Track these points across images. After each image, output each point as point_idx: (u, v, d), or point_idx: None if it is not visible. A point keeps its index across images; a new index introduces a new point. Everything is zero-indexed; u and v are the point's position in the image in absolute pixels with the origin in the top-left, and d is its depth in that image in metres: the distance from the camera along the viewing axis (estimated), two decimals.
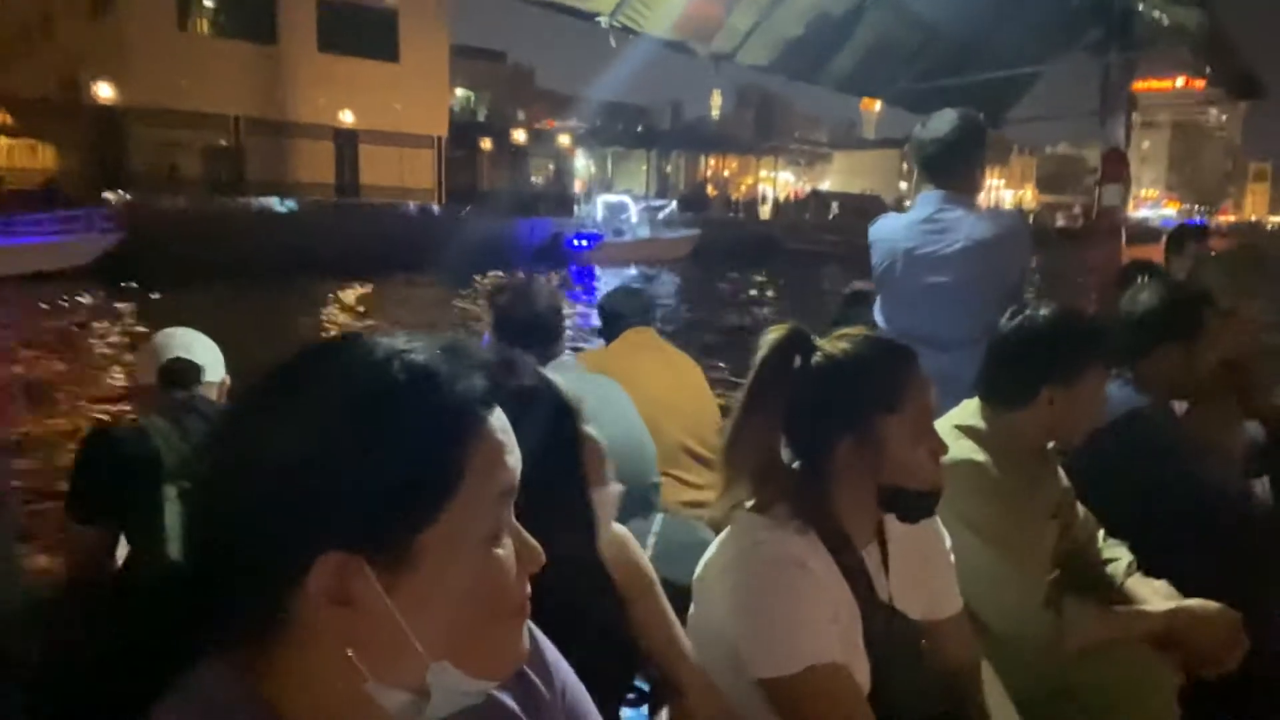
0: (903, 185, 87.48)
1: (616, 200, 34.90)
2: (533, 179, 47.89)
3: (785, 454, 1.54)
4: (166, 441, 2.09)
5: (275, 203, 26.65)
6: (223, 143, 29.73)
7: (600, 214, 34.16)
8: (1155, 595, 2.02)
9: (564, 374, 3.15)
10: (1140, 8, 3.66)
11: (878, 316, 2.97)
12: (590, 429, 1.39)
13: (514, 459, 0.72)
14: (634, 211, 34.46)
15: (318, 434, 0.65)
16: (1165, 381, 2.41)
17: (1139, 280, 2.90)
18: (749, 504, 1.52)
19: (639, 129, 53.15)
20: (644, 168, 54.53)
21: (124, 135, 27.24)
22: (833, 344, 1.52)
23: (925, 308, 2.77)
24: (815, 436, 1.50)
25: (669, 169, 57.99)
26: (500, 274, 24.86)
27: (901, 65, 4.72)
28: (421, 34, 34.39)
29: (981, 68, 4.93)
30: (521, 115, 60.19)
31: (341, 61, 32.07)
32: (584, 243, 30.75)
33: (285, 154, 31.01)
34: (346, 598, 0.65)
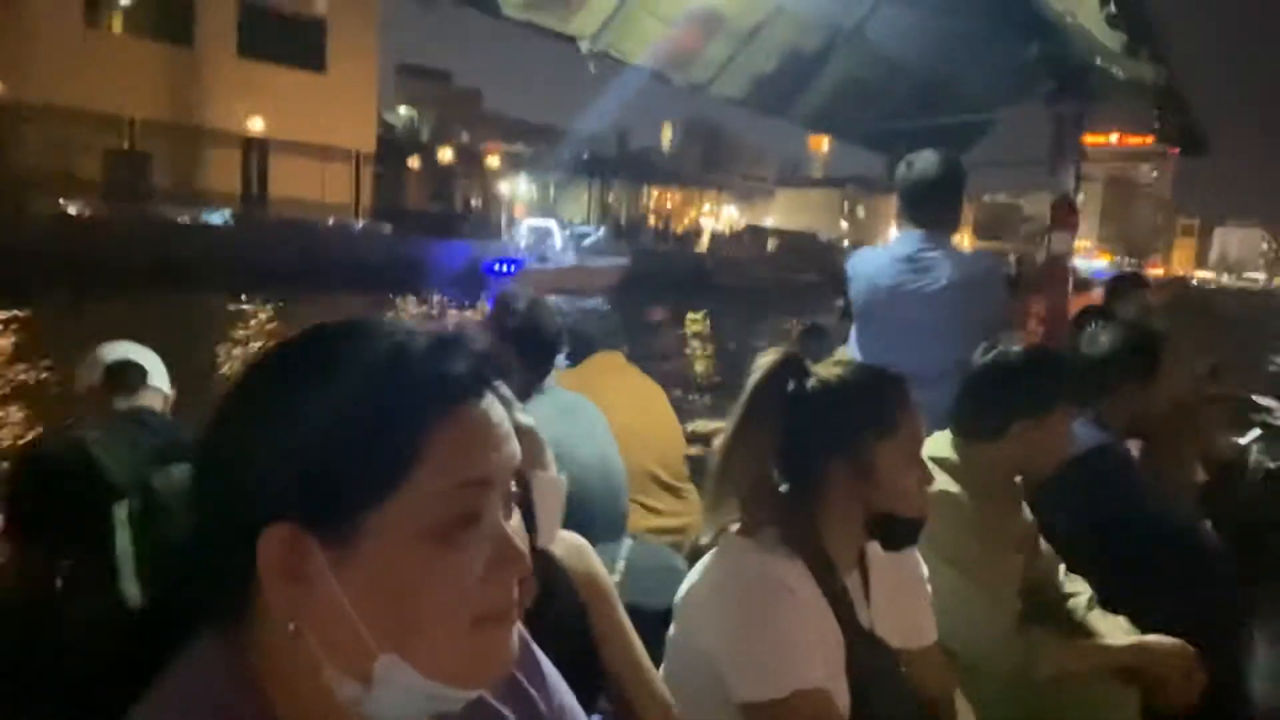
0: (843, 224, 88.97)
1: (541, 225, 33.62)
2: (470, 201, 47.26)
3: (775, 478, 1.55)
4: (108, 453, 2.02)
5: (209, 214, 25.47)
6: (125, 146, 28.00)
7: (524, 239, 32.84)
8: (1115, 630, 2.07)
9: (544, 390, 3.15)
10: (1097, 61, 3.79)
11: (854, 350, 3.01)
12: (522, 418, 1.34)
13: (497, 453, 0.69)
14: (559, 238, 33.26)
15: (278, 403, 0.67)
16: (1124, 420, 2.49)
17: (1092, 324, 3.00)
18: (735, 526, 1.52)
19: (584, 156, 52.02)
20: (585, 195, 54.27)
21: (14, 133, 24.90)
22: (826, 369, 1.54)
23: (906, 343, 2.81)
24: (807, 460, 1.51)
25: (610, 199, 57.52)
26: (420, 301, 24.11)
27: (867, 104, 4.83)
28: (351, 45, 33.69)
29: (942, 111, 5.08)
30: (465, 136, 59.62)
31: (262, 68, 30.92)
32: (505, 268, 29.33)
33: (194, 161, 29.37)
34: (300, 574, 0.64)
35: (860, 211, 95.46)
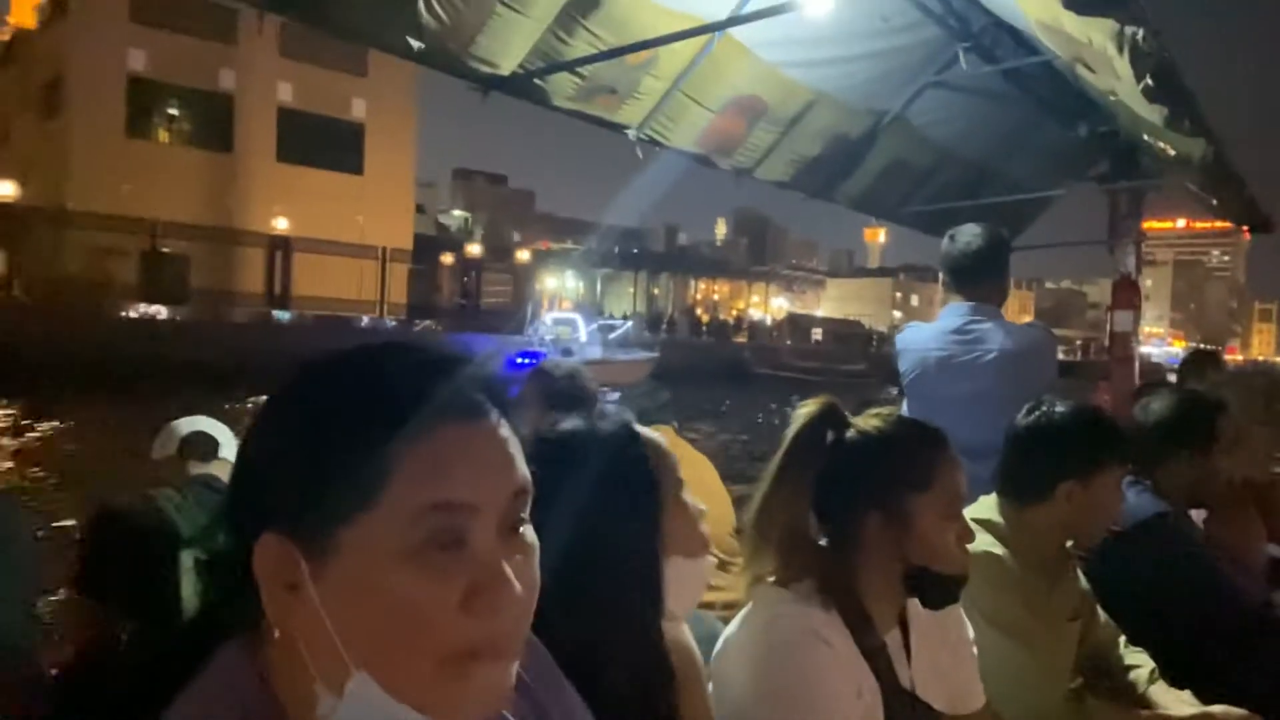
0: (895, 314, 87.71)
1: (566, 317, 33.44)
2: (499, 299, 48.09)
3: (813, 529, 1.54)
4: (180, 511, 2.10)
5: (278, 315, 26.65)
6: (164, 249, 29.41)
7: (549, 333, 32.19)
8: (1178, 704, 1.97)
9: None
10: (1145, 139, 3.80)
11: None
12: (689, 497, 1.35)
13: (485, 477, 0.68)
14: (583, 330, 32.71)
15: (273, 417, 0.71)
16: (1182, 489, 2.41)
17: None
18: (772, 578, 1.51)
19: (633, 251, 53.10)
20: (632, 289, 54.72)
21: (57, 239, 26.67)
22: (865, 421, 1.55)
23: (958, 415, 2.75)
24: (844, 512, 1.51)
25: (656, 291, 57.88)
26: None
27: (915, 187, 4.88)
28: (388, 149, 35.15)
29: (993, 192, 5.10)
30: (517, 236, 61.58)
31: (300, 172, 32.57)
32: (526, 361, 28.79)
33: (231, 262, 30.57)
34: (290, 583, 0.66)
35: (914, 300, 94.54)
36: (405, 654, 0.65)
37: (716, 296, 70.73)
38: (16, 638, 1.50)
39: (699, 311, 55.87)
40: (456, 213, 73.57)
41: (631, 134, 3.49)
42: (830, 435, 1.54)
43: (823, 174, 4.37)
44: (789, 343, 48.98)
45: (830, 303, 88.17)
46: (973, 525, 1.90)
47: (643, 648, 1.23)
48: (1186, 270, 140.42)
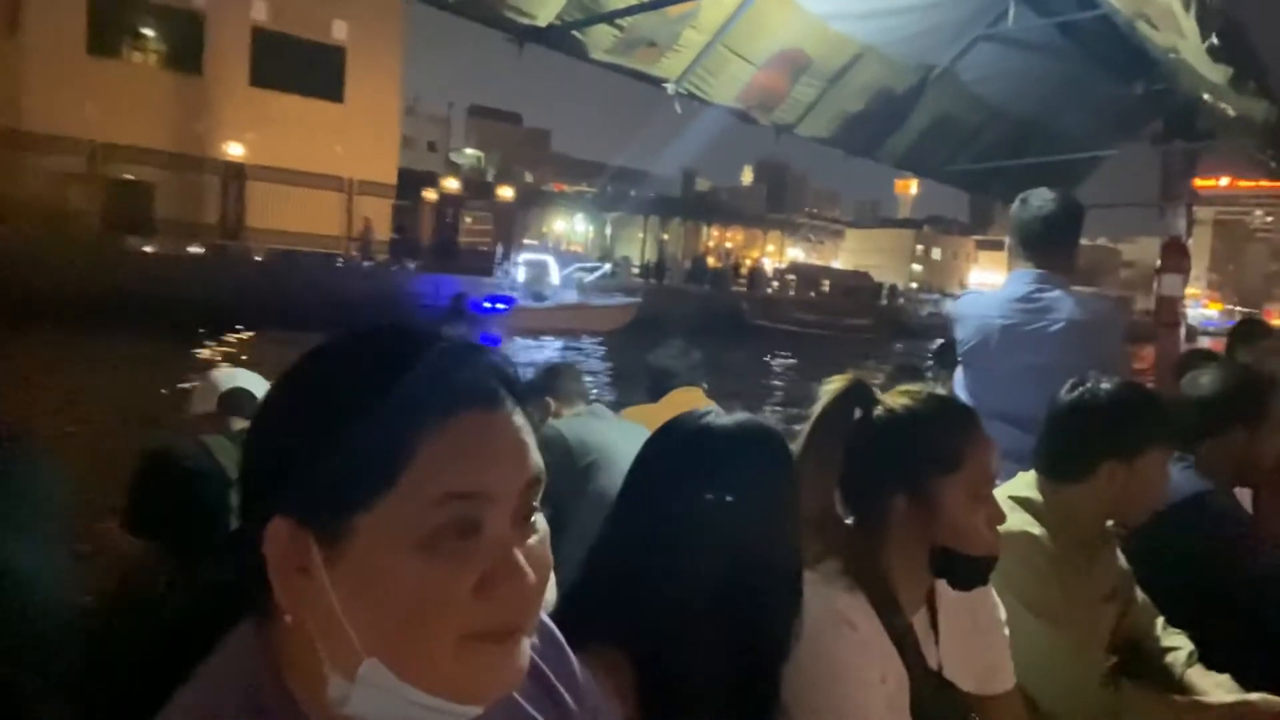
0: (915, 267, 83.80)
1: (537, 259, 30.50)
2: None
3: (839, 509, 1.52)
4: (229, 457, 2.12)
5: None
6: (129, 177, 26.28)
7: (522, 274, 29.57)
8: (1217, 688, 1.93)
9: (595, 419, 3.17)
10: (1205, 98, 3.66)
11: (960, 393, 2.91)
12: None
13: (500, 466, 0.68)
14: (555, 273, 30.07)
15: (286, 402, 0.70)
16: (1228, 467, 2.34)
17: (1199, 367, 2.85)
18: None
19: (646, 195, 50.50)
20: (641, 235, 52.49)
21: (13, 163, 23.60)
22: (894, 399, 1.51)
23: (1020, 387, 2.69)
24: (870, 492, 1.48)
25: (666, 236, 55.11)
26: None
27: (961, 145, 4.76)
28: (372, 75, 32.05)
29: (1041, 151, 4.96)
30: (529, 176, 59.81)
31: (275, 98, 29.68)
32: (497, 306, 26.57)
33: (199, 193, 27.45)
34: (302, 567, 0.66)
35: (936, 253, 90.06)
36: (418, 639, 0.65)
37: (729, 244, 68.54)
38: (47, 583, 1.53)
39: (710, 259, 52.94)
40: (469, 151, 72.10)
41: (670, 88, 3.42)
42: (858, 412, 1.51)
43: (866, 131, 4.26)
44: (792, 294, 46.27)
45: (848, 254, 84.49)
46: (1010, 503, 1.87)
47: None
48: (1227, 230, 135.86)
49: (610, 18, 3.06)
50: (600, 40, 3.15)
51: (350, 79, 32.11)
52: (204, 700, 0.69)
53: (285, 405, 0.70)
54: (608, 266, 35.56)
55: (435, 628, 0.65)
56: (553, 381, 3.24)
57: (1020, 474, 2.00)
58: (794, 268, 56.40)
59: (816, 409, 1.52)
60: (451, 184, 38.64)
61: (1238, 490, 2.44)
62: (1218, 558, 2.11)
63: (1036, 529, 1.85)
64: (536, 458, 0.72)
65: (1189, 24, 2.43)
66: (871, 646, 1.39)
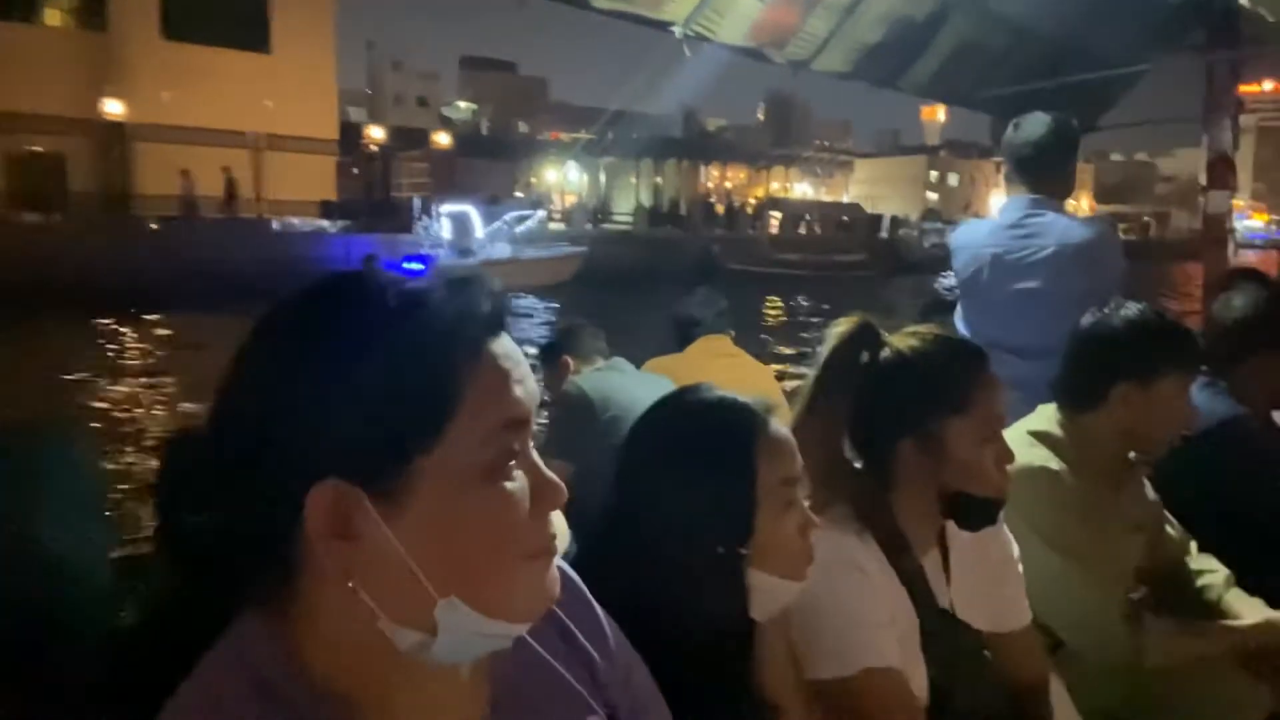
0: (931, 195, 78.66)
1: (458, 210, 27.45)
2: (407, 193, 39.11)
3: (848, 452, 1.51)
4: None
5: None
6: (36, 148, 24.52)
7: (447, 229, 26.78)
8: (1253, 611, 1.90)
9: (616, 373, 3.17)
10: (1245, 3, 3.48)
11: (960, 325, 2.88)
12: (803, 505, 1.21)
13: (523, 389, 0.70)
14: (478, 225, 26.99)
15: (304, 360, 0.66)
16: (1264, 391, 2.27)
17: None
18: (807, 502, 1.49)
19: (635, 137, 46.18)
20: (646, 179, 49.94)
21: None
22: (902, 340, 1.49)
23: (1014, 315, 2.67)
24: (878, 435, 1.47)
25: (659, 180, 51.48)
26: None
27: (989, 69, 4.59)
28: (301, 21, 29.49)
29: (1075, 70, 4.77)
30: (524, 127, 57.50)
31: (192, 51, 27.00)
32: (417, 266, 24.27)
33: (115, 160, 25.45)
34: (348, 531, 0.65)
35: (952, 179, 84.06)
36: (493, 567, 0.68)
37: (729, 184, 63.87)
38: (87, 575, 1.58)
39: (713, 200, 49.49)
40: (462, 104, 70.29)
41: (678, 31, 3.34)
42: (865, 355, 1.49)
43: (886, 61, 4.12)
44: (774, 231, 41.64)
45: (859, 185, 79.37)
46: (1028, 438, 1.85)
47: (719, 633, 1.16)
48: (1272, 137, 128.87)
49: None
50: None
51: (277, 27, 29.57)
52: (210, 692, 0.68)
53: (308, 367, 0.66)
54: (541, 213, 31.24)
55: (506, 552, 0.68)
56: (570, 340, 3.25)
57: (1040, 407, 1.97)
58: (773, 202, 50.49)
59: (822, 353, 1.50)
60: (376, 133, 34.67)
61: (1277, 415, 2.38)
62: (1253, 481, 2.07)
63: (1056, 464, 1.82)
64: (534, 378, 0.74)
65: None
66: (881, 590, 1.40)
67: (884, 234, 47.01)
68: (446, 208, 27.68)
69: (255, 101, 28.01)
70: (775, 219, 43.84)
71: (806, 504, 1.23)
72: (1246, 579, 2.00)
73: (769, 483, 1.17)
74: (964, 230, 2.96)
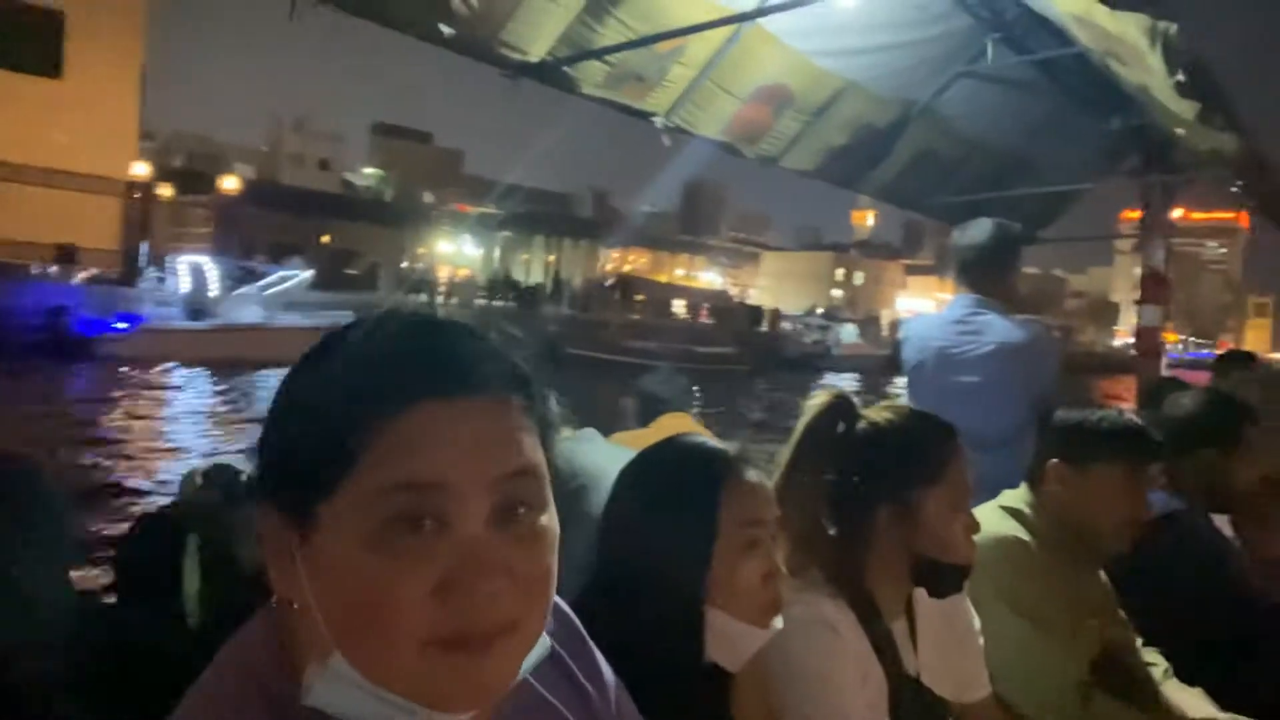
0: (835, 293, 77.76)
1: (193, 263, 23.86)
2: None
3: (824, 519, 1.56)
4: None
5: None
6: None
7: (185, 284, 23.38)
8: (1192, 703, 1.97)
9: (586, 443, 3.20)
10: (1178, 133, 3.77)
11: None
12: (768, 551, 1.23)
13: (463, 457, 0.64)
14: (214, 282, 23.53)
15: (280, 394, 0.70)
16: (1202, 489, 2.40)
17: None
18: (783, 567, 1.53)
19: (533, 213, 46.94)
20: (540, 256, 49.36)
21: None
22: (878, 413, 1.57)
23: (956, 406, 2.80)
24: (855, 502, 1.53)
25: (551, 258, 50.64)
26: None
27: (943, 178, 4.86)
28: (101, 47, 26.63)
29: (1021, 184, 5.07)
30: (430, 197, 56.13)
31: None
32: (120, 325, 20.56)
33: None
34: (287, 554, 0.66)
35: (858, 278, 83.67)
36: (375, 639, 0.62)
37: (630, 267, 63.34)
38: (50, 606, 1.55)
39: (609, 284, 47.65)
40: (369, 170, 69.11)
41: (659, 121, 3.50)
42: (842, 426, 1.56)
43: (850, 164, 4.36)
44: (634, 316, 38.27)
45: (766, 278, 79.92)
46: (1001, 513, 1.96)
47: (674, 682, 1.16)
48: (1182, 262, 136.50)
49: (600, 54, 3.14)
50: (591, 75, 3.23)
51: (71, 51, 26.38)
52: (216, 692, 0.70)
53: (277, 397, 0.71)
54: (305, 275, 26.71)
55: (391, 630, 0.62)
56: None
57: (1006, 492, 2.08)
58: (622, 281, 48.13)
59: (800, 425, 1.57)
60: (139, 169, 29.13)
61: (1220, 518, 2.49)
62: (1188, 575, 2.17)
63: (1025, 535, 1.93)
64: (527, 449, 0.68)
65: (1156, 61, 2.53)
66: (853, 650, 1.44)
67: (764, 327, 45.39)
68: (184, 259, 24.02)
69: (42, 134, 25.02)
70: (639, 299, 41.21)
71: (780, 559, 1.26)
72: (1183, 671, 2.09)
73: (731, 522, 1.20)
74: (912, 323, 3.16)
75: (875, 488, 1.52)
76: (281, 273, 25.78)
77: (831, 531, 1.56)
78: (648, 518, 1.22)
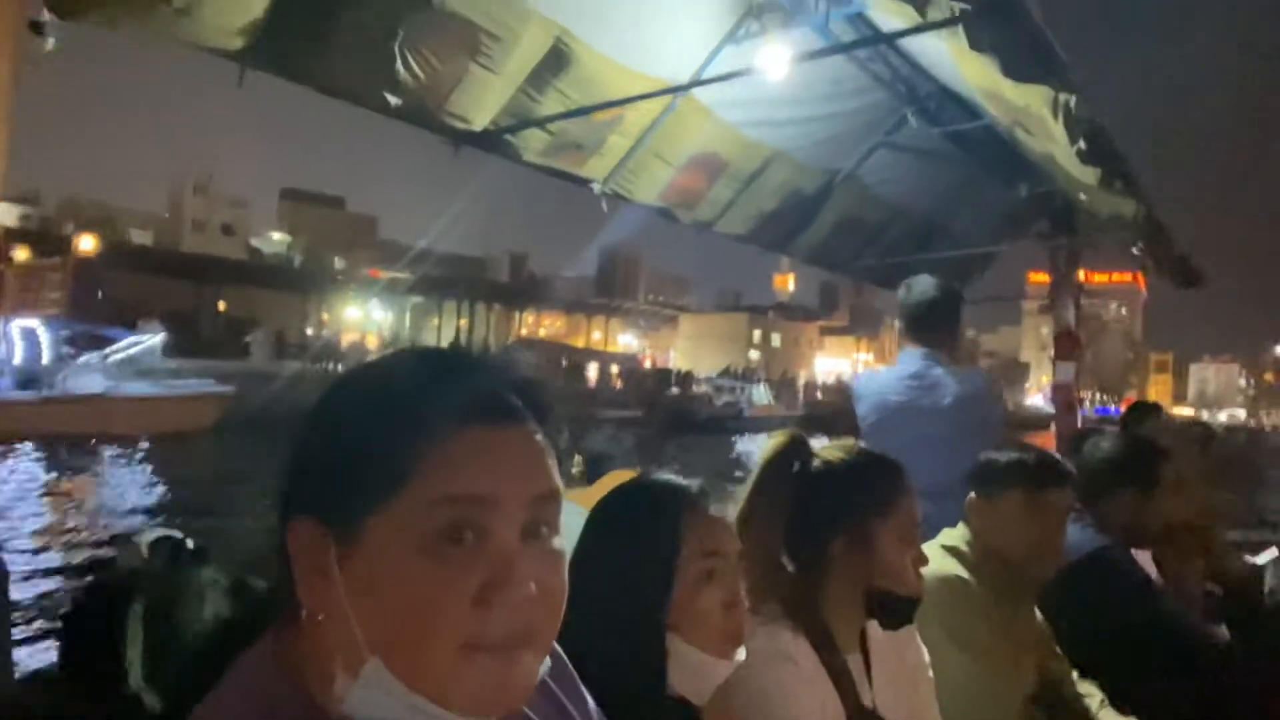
0: (753, 354, 77.09)
1: (25, 327, 21.87)
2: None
3: (781, 554, 1.63)
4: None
5: None
6: None
7: (19, 351, 21.49)
8: None
9: None
10: (1081, 198, 4.03)
11: None
12: (731, 584, 1.26)
13: (504, 475, 0.71)
14: (45, 348, 21.59)
15: (318, 409, 0.76)
16: (1123, 527, 2.54)
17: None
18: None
19: (447, 277, 46.22)
20: (451, 320, 48.95)
21: None
22: (829, 453, 1.66)
23: (918, 457, 2.89)
24: (811, 537, 1.60)
25: (462, 322, 51.24)
26: None
27: (867, 242, 5.09)
28: None
29: (941, 247, 5.33)
30: (340, 263, 55.63)
31: None
32: None
33: None
34: (321, 566, 0.70)
35: (775, 339, 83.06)
36: (418, 643, 0.67)
37: (545, 332, 63.79)
38: None
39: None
40: (276, 236, 67.10)
41: (597, 188, 3.62)
42: (796, 465, 1.64)
43: (779, 228, 4.54)
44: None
45: (684, 340, 79.82)
46: (941, 552, 2.04)
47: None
48: (1086, 322, 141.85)
49: (541, 123, 3.26)
50: (532, 144, 3.34)
51: None
52: (222, 713, 0.71)
53: (318, 419, 0.76)
54: (155, 340, 24.61)
55: (434, 633, 0.67)
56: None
57: (947, 530, 2.17)
58: (536, 345, 47.79)
59: (758, 464, 1.64)
60: None
61: (1140, 554, 2.63)
62: (1118, 607, 2.28)
63: (965, 572, 2.02)
64: (552, 474, 0.75)
65: (1059, 130, 2.73)
66: (812, 683, 1.49)
67: (675, 389, 45.36)
68: (17, 323, 21.84)
69: None
70: (549, 364, 40.52)
71: (743, 591, 1.29)
72: (1117, 700, 2.19)
73: (692, 552, 1.25)
74: (866, 380, 3.26)
75: (830, 521, 1.59)
76: (131, 338, 23.79)
77: (789, 566, 1.63)
78: (611, 548, 1.26)
